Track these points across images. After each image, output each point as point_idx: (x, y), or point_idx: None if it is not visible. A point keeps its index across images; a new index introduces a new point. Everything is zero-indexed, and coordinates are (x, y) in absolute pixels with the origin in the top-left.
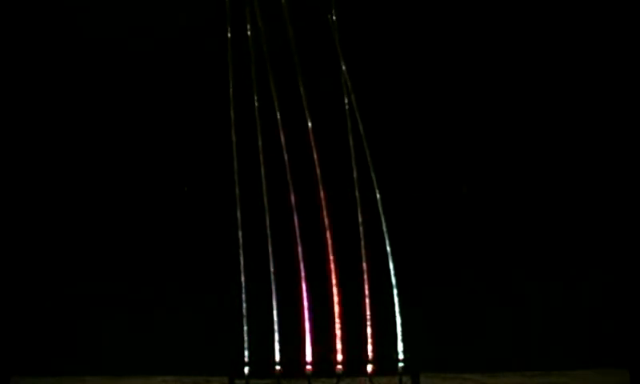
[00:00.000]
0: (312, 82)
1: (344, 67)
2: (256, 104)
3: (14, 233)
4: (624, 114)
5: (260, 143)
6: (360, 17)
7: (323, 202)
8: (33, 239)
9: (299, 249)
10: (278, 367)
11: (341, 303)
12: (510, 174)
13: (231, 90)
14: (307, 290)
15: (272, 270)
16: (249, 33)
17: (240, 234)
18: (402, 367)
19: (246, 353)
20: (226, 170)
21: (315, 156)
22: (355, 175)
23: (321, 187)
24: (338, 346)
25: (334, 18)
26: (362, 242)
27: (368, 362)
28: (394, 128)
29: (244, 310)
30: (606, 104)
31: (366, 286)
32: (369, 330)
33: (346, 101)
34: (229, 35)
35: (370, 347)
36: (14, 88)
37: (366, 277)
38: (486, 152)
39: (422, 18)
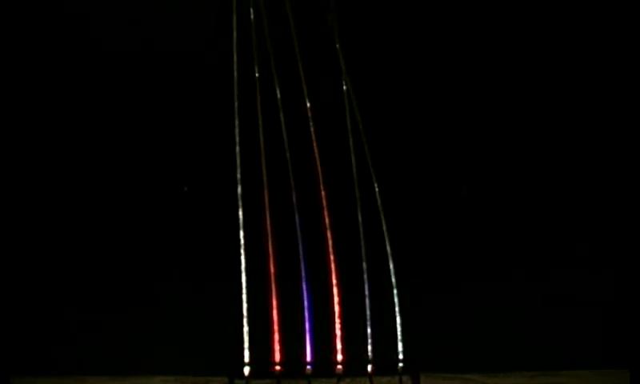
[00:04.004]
0: (314, 82)
1: (344, 67)
2: (259, 103)
3: (14, 233)
4: (624, 115)
5: (262, 143)
6: (361, 15)
7: (324, 202)
8: (33, 239)
9: (300, 248)
10: (277, 367)
11: (341, 303)
12: (510, 175)
13: (235, 89)
14: (307, 290)
15: (272, 270)
16: (252, 33)
17: (241, 233)
18: (402, 367)
19: (246, 353)
20: (227, 169)
21: (316, 156)
22: (355, 175)
23: (321, 187)
24: (338, 346)
25: (331, 16)
26: (363, 242)
27: (368, 361)
28: (395, 128)
29: (244, 310)
30: (606, 105)
31: (366, 286)
32: (369, 330)
33: (347, 101)
34: (234, 35)
35: (370, 347)
36: (30, 90)
37: (366, 277)
38: (487, 153)
39: (423, 17)
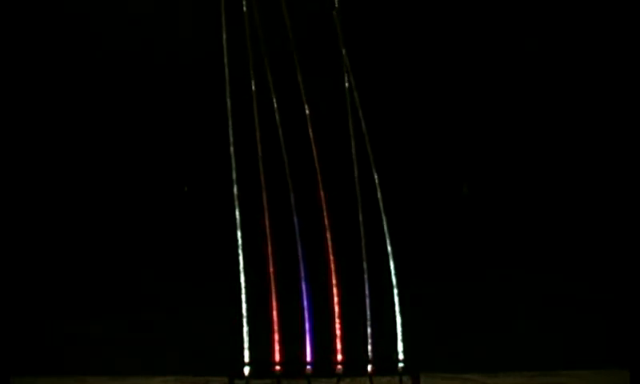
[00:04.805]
0: (313, 79)
1: (346, 64)
2: (254, 102)
3: (14, 232)
4: (624, 115)
5: (259, 142)
6: (363, 13)
7: (323, 202)
8: (33, 238)
9: (299, 248)
10: (277, 367)
11: (341, 303)
12: (511, 175)
13: (228, 87)
14: (307, 290)
15: (271, 270)
16: (246, 28)
17: (239, 233)
18: (402, 367)
19: (246, 353)
20: (225, 169)
21: (315, 155)
22: (356, 174)
23: (321, 187)
24: (338, 346)
25: (337, 12)
26: (363, 242)
27: (368, 361)
28: (396, 128)
29: (244, 310)
30: (606, 105)
31: (366, 286)
32: (369, 330)
33: (348, 98)
34: (224, 33)
35: (370, 347)
36: (18, 88)
37: (366, 277)
38: (487, 152)
39: (424, 17)
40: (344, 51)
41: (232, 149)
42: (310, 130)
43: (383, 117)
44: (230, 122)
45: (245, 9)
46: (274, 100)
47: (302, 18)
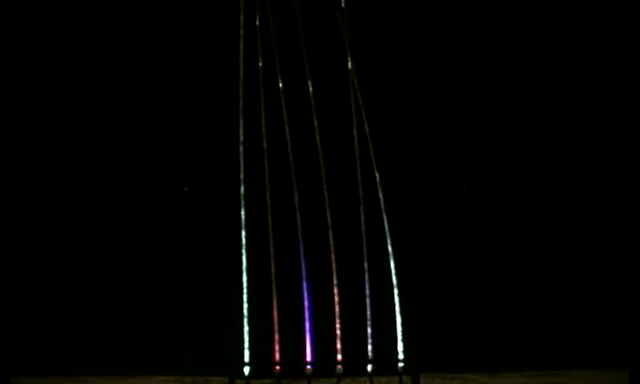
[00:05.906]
0: (319, 80)
1: (350, 66)
2: (262, 105)
3: (14, 233)
4: (622, 116)
5: (265, 143)
6: (367, 16)
7: (325, 202)
8: (34, 240)
9: (300, 249)
10: (277, 367)
11: (341, 303)
12: (510, 176)
13: (241, 90)
14: (307, 290)
15: (273, 269)
16: (257, 29)
17: (243, 234)
18: (402, 367)
19: (246, 353)
20: (229, 169)
21: (319, 156)
22: (358, 176)
23: (324, 187)
24: (338, 346)
25: (341, 14)
26: (364, 242)
27: (368, 361)
28: (398, 129)
29: (244, 310)
30: (604, 106)
31: (367, 286)
32: (369, 330)
33: (353, 101)
34: (241, 32)
35: (370, 347)
36: (33, 90)
37: (366, 276)
38: (487, 154)
39: (425, 20)
40: (349, 53)
41: (242, 149)
42: (315, 131)
43: (385, 119)
44: (241, 122)
45: (257, 21)
46: (283, 102)
47: (311, 19)
